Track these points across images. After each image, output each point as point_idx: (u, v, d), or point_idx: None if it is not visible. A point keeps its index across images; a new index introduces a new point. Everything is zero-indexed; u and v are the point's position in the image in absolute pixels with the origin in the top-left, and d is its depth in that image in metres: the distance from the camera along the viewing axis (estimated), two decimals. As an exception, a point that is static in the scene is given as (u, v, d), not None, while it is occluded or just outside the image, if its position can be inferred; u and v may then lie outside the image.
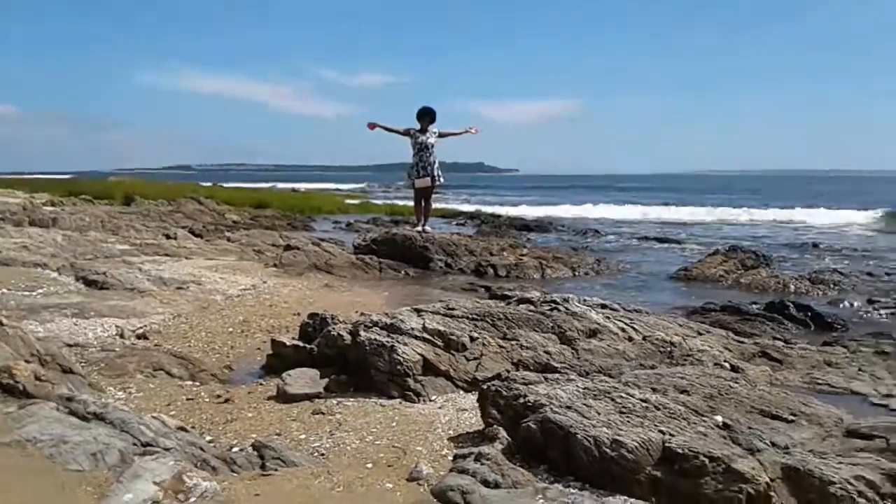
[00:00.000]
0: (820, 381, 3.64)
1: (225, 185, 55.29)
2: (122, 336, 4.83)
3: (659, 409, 2.60)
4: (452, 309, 4.18)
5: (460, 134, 10.79)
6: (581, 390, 2.72)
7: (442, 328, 3.68)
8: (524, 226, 16.75)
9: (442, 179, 10.53)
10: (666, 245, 13.35)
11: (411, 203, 11.47)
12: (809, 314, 6.06)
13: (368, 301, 6.87)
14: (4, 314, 5.06)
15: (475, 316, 3.98)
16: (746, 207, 25.39)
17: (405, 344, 3.54)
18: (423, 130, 10.06)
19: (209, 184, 57.31)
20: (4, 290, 5.78)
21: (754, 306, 6.37)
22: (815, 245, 13.31)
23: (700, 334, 4.33)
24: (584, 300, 4.74)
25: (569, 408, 2.58)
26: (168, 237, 9.80)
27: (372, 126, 10.71)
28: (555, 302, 4.34)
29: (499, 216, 20.72)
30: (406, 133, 10.23)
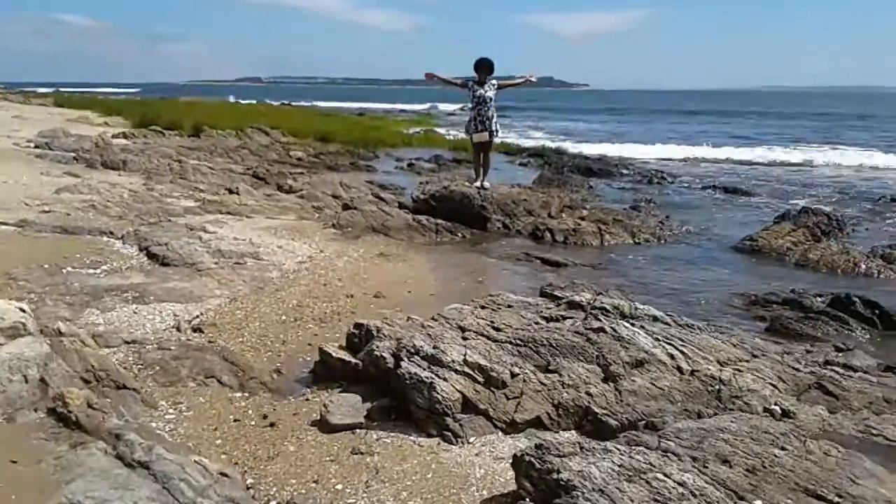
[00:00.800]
0: (875, 431, 3.50)
1: (294, 103, 55.78)
2: (178, 329, 4.97)
3: (695, 497, 2.55)
4: (498, 329, 4.15)
5: (520, 84, 10.53)
6: (616, 468, 2.68)
7: (483, 362, 3.65)
8: (587, 168, 16.39)
9: (500, 133, 10.32)
10: (734, 198, 12.89)
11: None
12: (877, 312, 5.80)
13: (420, 277, 6.88)
14: (68, 303, 5.29)
15: (519, 341, 3.93)
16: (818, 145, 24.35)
17: (445, 379, 3.54)
18: (481, 83, 9.80)
19: (278, 103, 57.90)
20: (70, 269, 6.00)
21: (818, 299, 6.13)
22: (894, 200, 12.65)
23: (755, 356, 4.19)
24: (636, 311, 4.63)
25: (601, 492, 2.55)
26: (230, 192, 9.94)
27: (430, 76, 10.54)
28: (601, 322, 4.24)
29: (562, 154, 20.32)
30: (464, 85, 10.01)
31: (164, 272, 6.22)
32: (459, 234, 8.99)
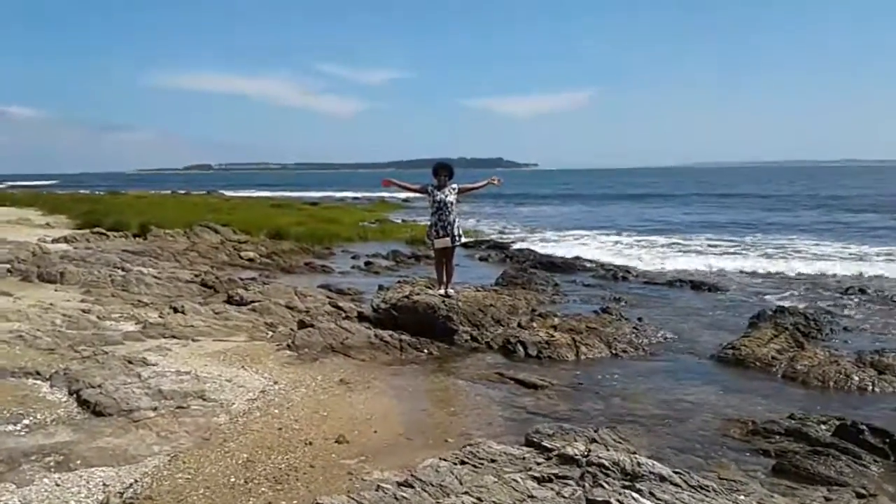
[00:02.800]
0: None
1: (244, 193, 55.26)
2: (107, 506, 4.23)
3: None
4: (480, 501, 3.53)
5: (482, 186, 10.12)
6: None
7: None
8: (550, 263, 16.05)
9: (463, 239, 9.86)
10: (703, 295, 12.58)
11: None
12: (888, 440, 5.32)
13: (387, 411, 6.22)
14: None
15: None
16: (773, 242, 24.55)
17: None
18: (441, 187, 9.39)
19: (229, 193, 57.31)
20: (-15, 428, 5.22)
21: (822, 427, 5.64)
22: (863, 291, 12.48)
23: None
24: (640, 468, 4.05)
25: None
26: (175, 310, 9.21)
27: (387, 183, 10.12)
28: (605, 491, 3.65)
29: (522, 250, 20.09)
30: (423, 191, 9.59)
31: (95, 425, 5.45)
32: (425, 351, 8.38)
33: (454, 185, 9.48)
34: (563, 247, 20.97)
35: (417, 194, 9.96)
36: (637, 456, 4.37)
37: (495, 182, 10.12)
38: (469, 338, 8.87)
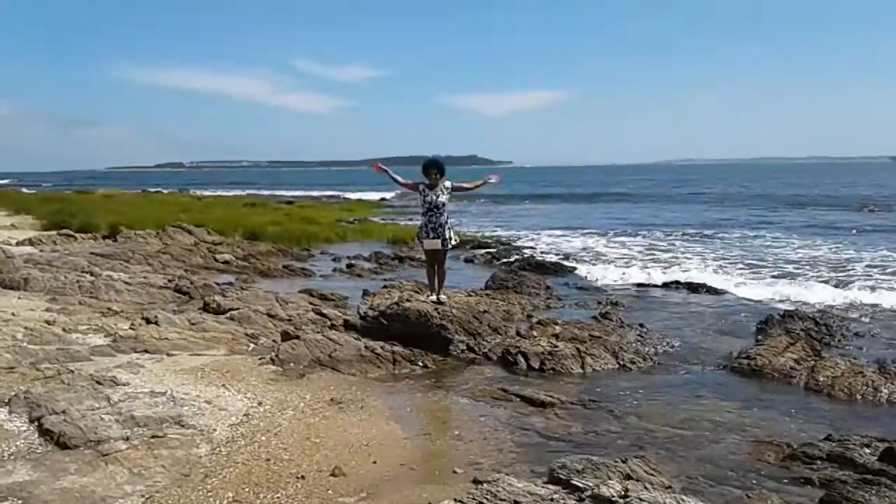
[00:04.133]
0: None
1: (217, 193, 53.99)
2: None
3: None
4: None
5: (479, 186, 9.52)
6: None
7: None
8: (539, 264, 15.52)
9: (455, 241, 9.30)
10: (702, 298, 12.11)
11: (411, 223, 10.06)
12: (940, 467, 4.85)
13: (385, 435, 5.64)
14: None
15: None
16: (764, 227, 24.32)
17: None
18: (432, 186, 8.81)
19: (201, 192, 56.09)
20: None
21: (866, 451, 5.15)
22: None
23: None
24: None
25: None
26: (148, 321, 8.53)
27: (380, 169, 9.47)
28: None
29: (507, 244, 19.60)
30: (414, 187, 9.03)
31: (59, 460, 4.80)
32: (420, 363, 7.80)
33: (447, 184, 8.91)
34: (547, 245, 20.51)
35: (408, 190, 9.40)
36: (680, 496, 3.84)
37: (492, 180, 9.56)
38: (465, 348, 8.32)
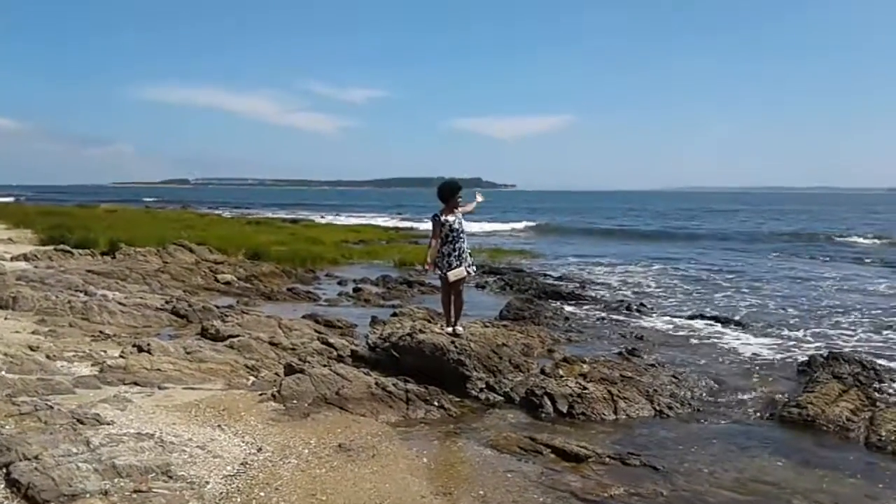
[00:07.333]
0: None
1: (219, 212, 53.10)
2: None
3: None
4: None
5: (473, 209, 8.74)
6: None
7: None
8: (555, 292, 14.83)
9: (475, 268, 8.63)
10: (730, 331, 11.38)
11: (417, 245, 9.27)
12: None
13: (401, 493, 4.93)
14: None
15: None
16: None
17: None
18: (451, 210, 8.12)
19: (205, 210, 55.50)
20: None
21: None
22: None
23: None
24: None
25: None
26: (140, 349, 7.84)
27: (431, 266, 8.39)
28: None
29: (520, 271, 18.90)
30: (440, 226, 8.14)
31: (23, 524, 4.12)
32: (436, 404, 7.09)
33: (462, 204, 8.26)
34: (559, 271, 19.81)
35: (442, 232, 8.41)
36: None
37: (479, 199, 8.83)
38: (484, 386, 7.64)
